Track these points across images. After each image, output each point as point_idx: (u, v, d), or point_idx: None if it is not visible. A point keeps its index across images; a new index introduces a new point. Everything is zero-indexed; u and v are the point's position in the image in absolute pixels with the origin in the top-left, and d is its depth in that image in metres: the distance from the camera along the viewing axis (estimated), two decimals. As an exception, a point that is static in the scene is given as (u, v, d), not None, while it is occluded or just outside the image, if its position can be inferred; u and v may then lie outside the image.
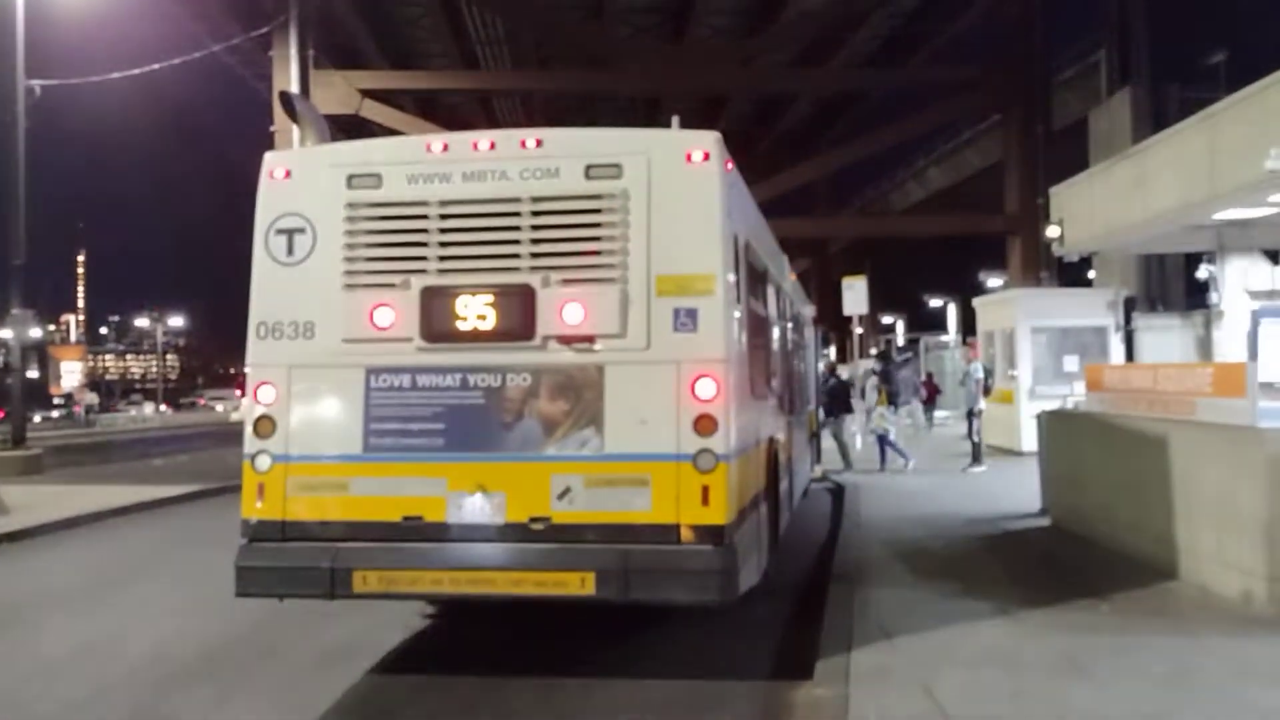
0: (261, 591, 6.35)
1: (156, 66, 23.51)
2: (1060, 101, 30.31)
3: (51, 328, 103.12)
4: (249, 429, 6.35)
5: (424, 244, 6.25)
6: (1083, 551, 9.19)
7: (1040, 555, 9.37)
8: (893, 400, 17.39)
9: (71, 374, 60.88)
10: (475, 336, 6.15)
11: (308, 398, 6.34)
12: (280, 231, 6.43)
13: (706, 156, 6.14)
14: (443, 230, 6.24)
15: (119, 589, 9.79)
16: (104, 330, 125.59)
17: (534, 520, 6.01)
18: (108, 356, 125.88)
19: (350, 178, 6.38)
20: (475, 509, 6.06)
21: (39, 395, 63.97)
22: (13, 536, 12.37)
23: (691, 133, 6.30)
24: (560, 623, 7.43)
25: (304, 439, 6.30)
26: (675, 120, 6.59)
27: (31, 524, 12.98)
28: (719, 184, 6.15)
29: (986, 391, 17.28)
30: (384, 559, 6.09)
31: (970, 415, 16.93)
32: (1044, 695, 5.35)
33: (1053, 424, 11.12)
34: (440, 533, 6.08)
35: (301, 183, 6.50)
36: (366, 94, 29.46)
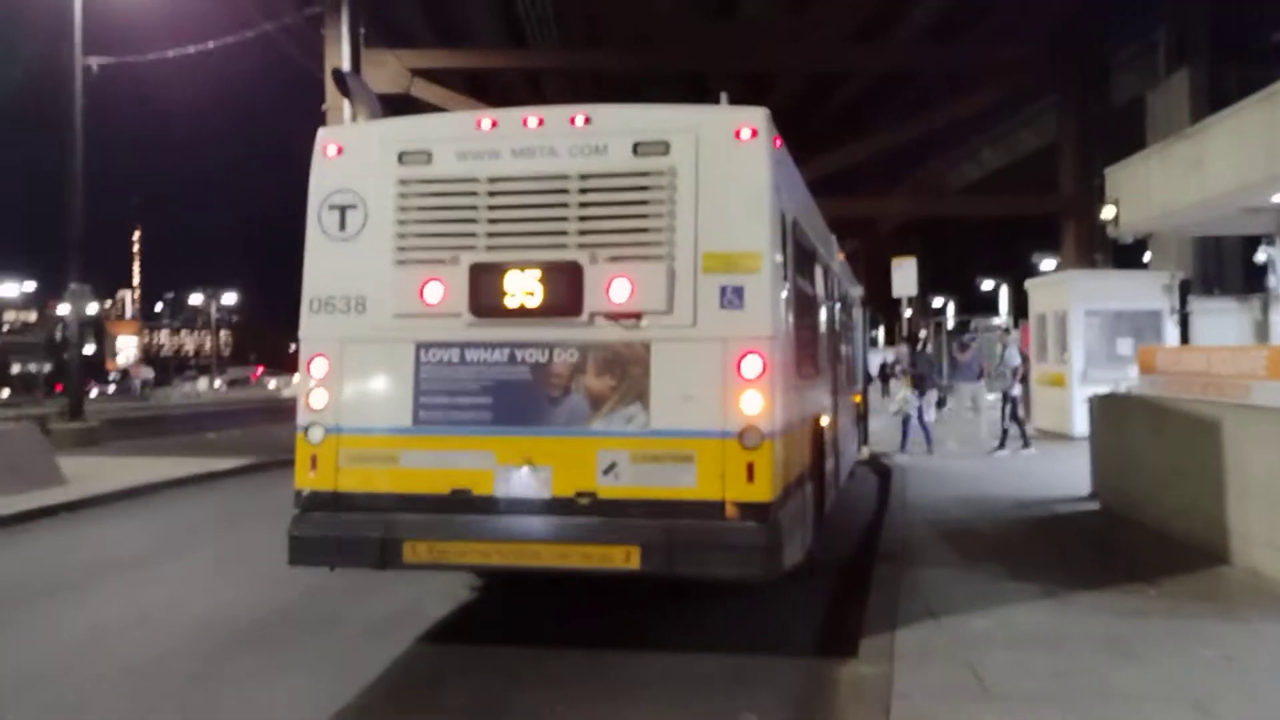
0: (314, 561, 6.49)
1: (210, 45, 23.84)
2: (1117, 82, 29.72)
3: (108, 303, 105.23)
4: (302, 401, 6.48)
5: (473, 220, 6.32)
6: (1132, 535, 9.10)
7: (1088, 538, 9.29)
8: (919, 385, 17.31)
9: (127, 349, 62.15)
10: (523, 312, 6.21)
11: (359, 371, 6.45)
12: (333, 207, 6.53)
13: (755, 133, 6.13)
14: (491, 207, 6.31)
15: (173, 558, 10.03)
16: (159, 307, 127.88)
17: (580, 495, 6.07)
18: (162, 332, 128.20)
19: (401, 154, 6.46)
20: (522, 482, 6.14)
21: (95, 370, 65.49)
22: (71, 506, 12.70)
23: (740, 109, 6.29)
24: (606, 596, 7.51)
25: (355, 412, 6.41)
26: (724, 97, 6.58)
27: (89, 494, 13.32)
28: (767, 161, 6.14)
29: (1024, 379, 17.07)
30: (433, 530, 6.19)
31: (1005, 399, 16.76)
32: (1087, 675, 5.33)
33: (1104, 407, 10.99)
34: (488, 505, 6.17)
35: (353, 159, 6.59)
36: (417, 73, 29.62)
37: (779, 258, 6.33)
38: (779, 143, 6.41)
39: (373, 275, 6.42)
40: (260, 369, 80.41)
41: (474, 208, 6.33)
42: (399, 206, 6.43)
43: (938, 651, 5.80)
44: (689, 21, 33.31)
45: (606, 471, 6.06)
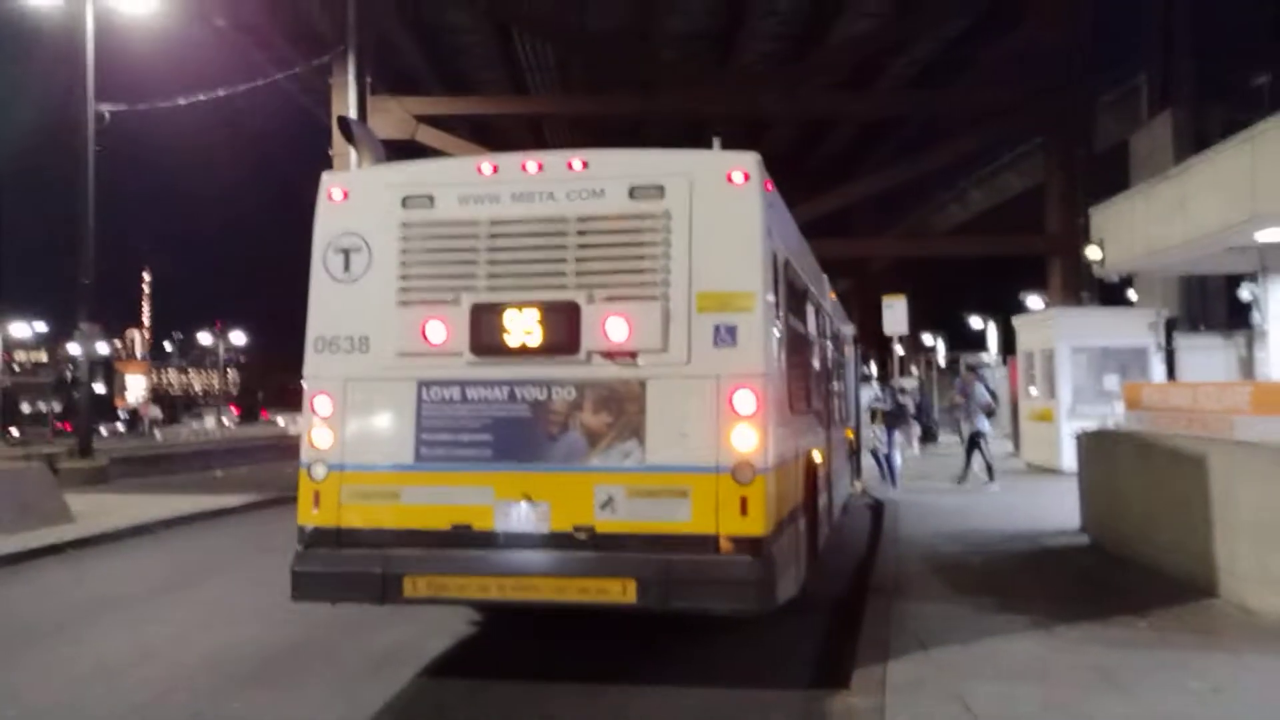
0: (316, 596, 6.58)
1: (221, 93, 24.22)
2: (1102, 125, 30.15)
3: (117, 343, 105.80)
4: (305, 439, 6.61)
5: (474, 262, 6.50)
6: (1121, 569, 9.23)
7: (1078, 572, 9.41)
8: (889, 422, 17.71)
9: (136, 388, 62.25)
10: (523, 351, 6.37)
11: (362, 409, 6.59)
12: (338, 250, 6.70)
13: (747, 177, 6.33)
14: (492, 249, 6.49)
15: (179, 594, 10.11)
16: (168, 346, 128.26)
17: (578, 529, 6.20)
18: (170, 371, 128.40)
19: (405, 198, 6.65)
20: (521, 517, 6.27)
21: (105, 409, 65.56)
22: (79, 543, 12.80)
23: (732, 153, 6.50)
24: (603, 630, 7.60)
25: (358, 449, 6.54)
26: (716, 142, 6.80)
27: (96, 531, 13.44)
28: (759, 203, 6.34)
29: (990, 414, 17.31)
30: (433, 565, 6.31)
31: (975, 436, 17.02)
32: (1076, 707, 5.44)
33: (1092, 443, 11.15)
34: (488, 540, 6.29)
35: (358, 203, 6.78)
36: (421, 119, 30.03)
37: (771, 297, 6.51)
38: (770, 186, 6.61)
39: (376, 315, 6.58)
40: (263, 413, 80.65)
41: (475, 250, 6.51)
42: (402, 249, 6.61)
43: (928, 683, 5.91)
44: (688, 69, 33.87)
45: (604, 506, 6.18)
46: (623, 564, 6.09)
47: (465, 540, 6.32)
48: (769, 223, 6.49)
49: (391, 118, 28.79)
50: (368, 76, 26.93)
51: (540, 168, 6.58)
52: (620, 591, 6.07)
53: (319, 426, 6.59)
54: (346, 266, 6.69)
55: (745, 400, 6.13)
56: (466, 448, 6.41)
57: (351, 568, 6.40)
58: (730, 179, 6.34)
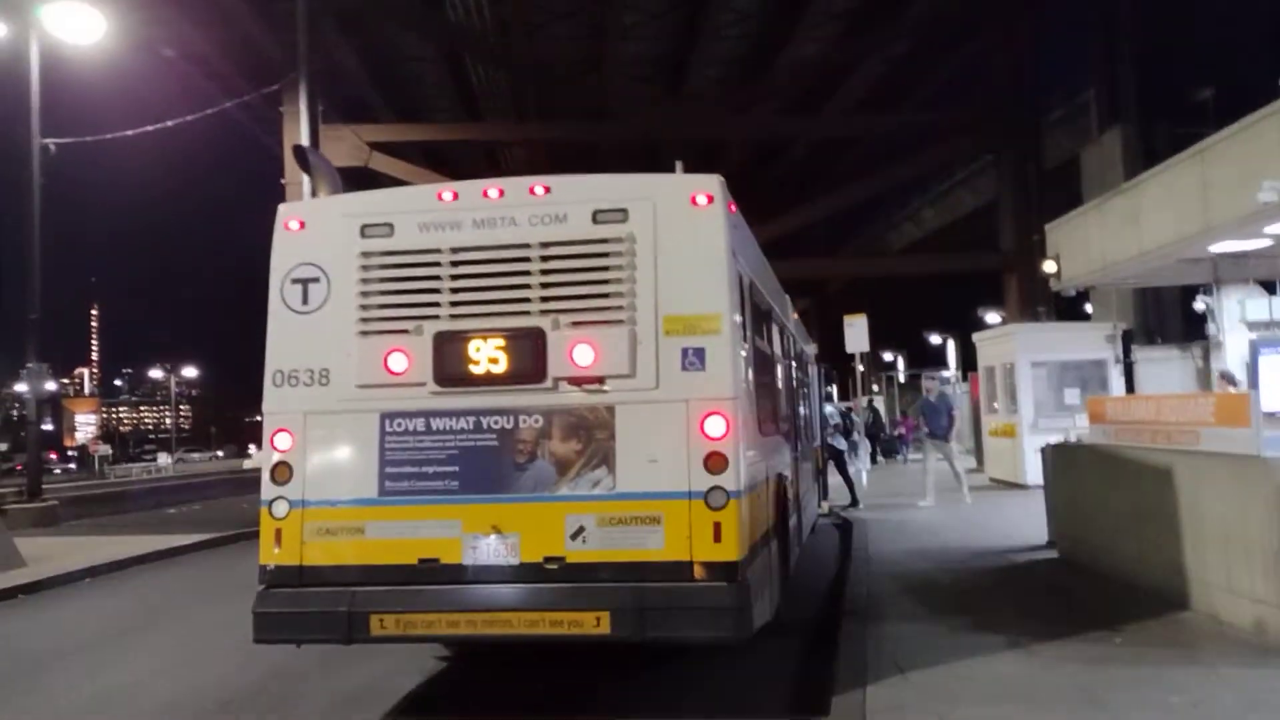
0: (279, 638, 6.38)
1: (170, 124, 23.83)
2: (1052, 141, 30.68)
3: (65, 381, 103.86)
4: (266, 475, 6.43)
5: (436, 290, 6.36)
6: (1092, 583, 9.22)
7: (1049, 587, 9.40)
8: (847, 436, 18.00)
9: (86, 426, 61.15)
10: (488, 380, 6.24)
11: (323, 443, 6.42)
12: (295, 281, 6.54)
13: (710, 199, 6.27)
14: (454, 276, 6.36)
15: (134, 639, 9.81)
16: (118, 382, 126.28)
17: (548, 560, 6.06)
18: (121, 408, 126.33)
19: (363, 227, 6.50)
20: (490, 550, 6.12)
21: (53, 447, 64.20)
22: (30, 588, 12.44)
23: (695, 176, 6.44)
24: (575, 662, 7.45)
25: (320, 484, 6.36)
26: (679, 165, 6.74)
27: (47, 575, 13.06)
28: (723, 225, 6.28)
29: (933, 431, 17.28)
30: (400, 602, 6.13)
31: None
32: (1061, 725, 5.37)
33: (1057, 457, 11.18)
34: (456, 574, 6.13)
35: (315, 233, 6.63)
36: (375, 146, 29.90)
37: (738, 318, 6.44)
38: (734, 208, 6.55)
39: (336, 347, 6.42)
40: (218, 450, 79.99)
41: (437, 278, 6.38)
42: (361, 279, 6.46)
43: (909, 708, 5.81)
44: (640, 94, 34.05)
45: (574, 536, 6.06)
46: (595, 595, 5.96)
47: (433, 575, 6.16)
48: (734, 244, 6.42)
49: (345, 145, 28.67)
50: (320, 105, 26.72)
51: (501, 193, 6.47)
52: (594, 623, 5.93)
53: (280, 462, 6.41)
54: (305, 298, 6.53)
55: (715, 424, 6.04)
56: (432, 480, 6.25)
57: (316, 607, 6.21)
58: (694, 201, 6.27)
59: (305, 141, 21.88)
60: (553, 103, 35.22)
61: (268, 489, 6.39)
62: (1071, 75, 30.75)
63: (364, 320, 6.42)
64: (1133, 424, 9.44)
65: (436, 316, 6.34)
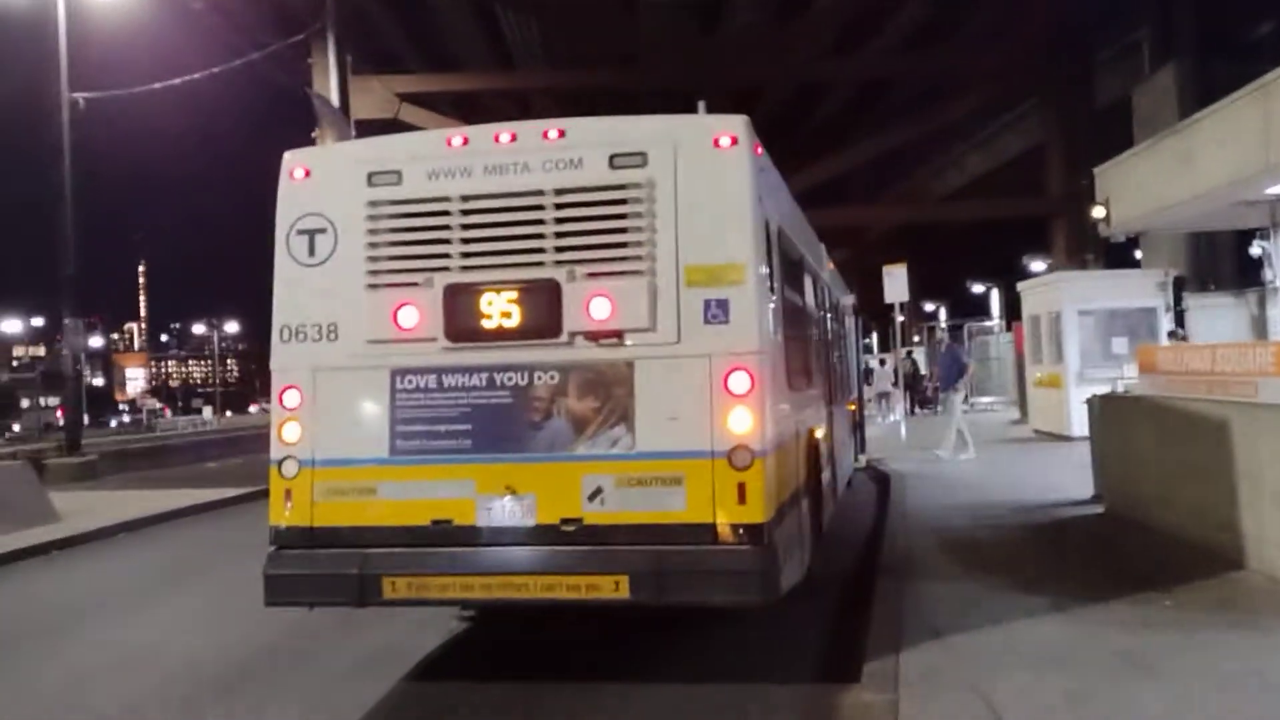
0: (291, 600, 6.22)
1: (198, 76, 23.59)
2: (1101, 82, 29.64)
3: (115, 336, 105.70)
4: (275, 434, 6.23)
5: (446, 241, 6.08)
6: (1140, 540, 8.84)
7: (1095, 545, 9.05)
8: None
9: (135, 380, 62.35)
10: (500, 334, 5.97)
11: (333, 401, 6.19)
12: (301, 232, 6.29)
13: (734, 141, 5.91)
14: (465, 226, 6.07)
15: (160, 596, 9.78)
16: (164, 338, 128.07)
17: (565, 522, 5.82)
18: (170, 362, 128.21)
19: (370, 175, 6.22)
20: (505, 511, 5.89)
21: (106, 402, 65.58)
22: (63, 544, 12.45)
23: (718, 117, 6.07)
24: (597, 625, 7.24)
25: (330, 443, 6.15)
26: (701, 105, 6.37)
27: (81, 530, 13.08)
28: (748, 169, 5.91)
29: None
30: (413, 564, 5.93)
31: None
32: (1108, 699, 5.04)
33: (1105, 408, 10.75)
34: (470, 536, 5.91)
35: (321, 182, 6.35)
36: (405, 98, 29.49)
37: (764, 268, 6.10)
38: (760, 150, 6.18)
39: (344, 301, 6.17)
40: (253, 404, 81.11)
41: (447, 228, 6.09)
42: (369, 229, 6.19)
43: (945, 675, 5.52)
44: (675, 38, 33.27)
45: (592, 497, 5.80)
46: (614, 558, 5.71)
47: (446, 537, 5.94)
48: (760, 189, 6.06)
49: (374, 97, 28.31)
50: (348, 56, 26.45)
51: (514, 138, 6.15)
52: (612, 587, 5.69)
53: (288, 420, 6.20)
54: (311, 250, 6.27)
55: (740, 380, 5.73)
56: (445, 439, 6.02)
57: (327, 569, 6.03)
58: (717, 143, 5.91)
59: (334, 94, 21.64)
60: (585, 50, 34.58)
61: (277, 448, 6.20)
62: (1122, 12, 29.54)
63: (372, 273, 6.16)
64: (1186, 374, 9.01)
65: (447, 268, 6.06)
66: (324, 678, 6.70)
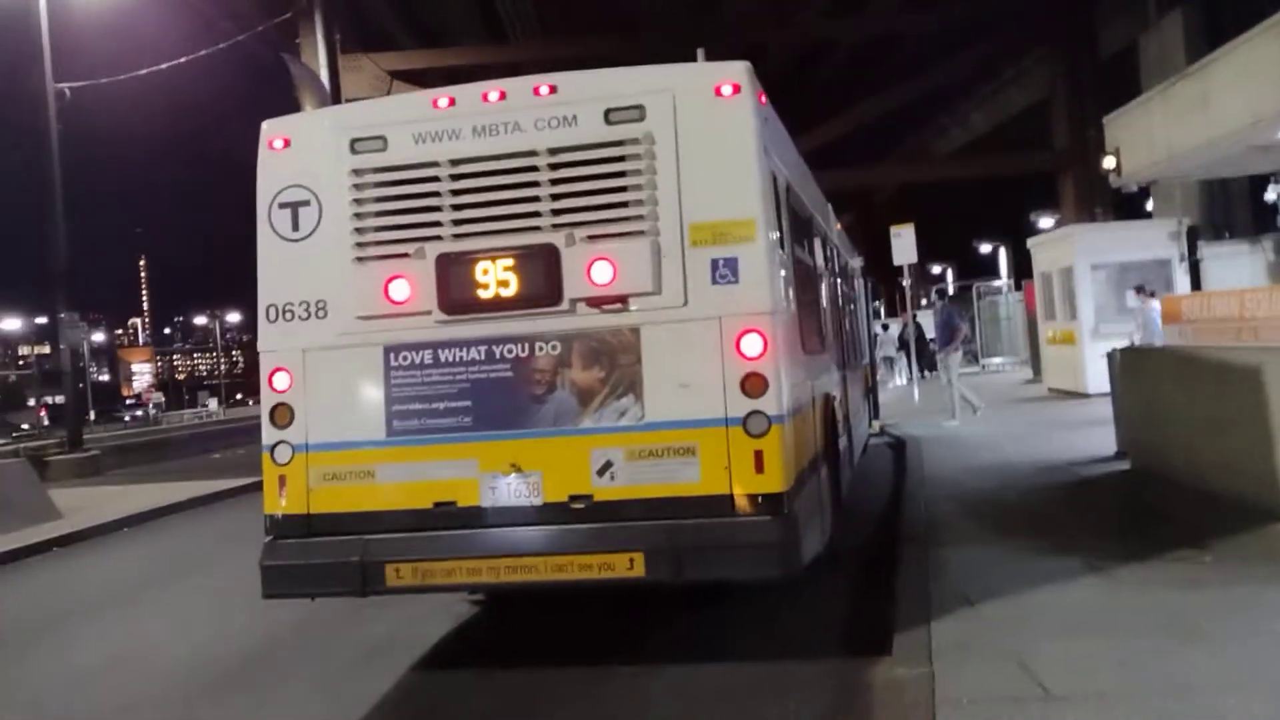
0: (289, 592, 5.97)
1: (183, 60, 23.10)
2: (1105, 29, 29.04)
3: (120, 332, 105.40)
4: (265, 418, 5.94)
5: (436, 208, 5.76)
6: (1171, 495, 8.53)
7: (1124, 502, 8.75)
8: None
9: (141, 375, 62.28)
10: (498, 305, 5.65)
11: (325, 382, 5.90)
12: (283, 205, 5.97)
13: (737, 89, 5.57)
14: (455, 192, 5.74)
15: (162, 591, 9.55)
16: (167, 331, 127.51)
17: (574, 499, 5.53)
18: (175, 355, 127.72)
19: (353, 141, 5.89)
20: (510, 490, 5.61)
21: (113, 397, 65.60)
22: (63, 541, 12.22)
23: (718, 64, 5.72)
24: (611, 603, 6.97)
25: (324, 426, 5.86)
26: (700, 53, 6.01)
27: (82, 527, 12.83)
28: (753, 118, 5.58)
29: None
30: (417, 549, 5.65)
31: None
32: (1154, 664, 4.74)
33: (1127, 361, 10.41)
34: (475, 518, 5.63)
35: (302, 151, 6.03)
36: (396, 75, 29.05)
37: (773, 224, 5.77)
38: (764, 98, 5.84)
39: (332, 276, 5.86)
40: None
41: (436, 194, 5.76)
42: (354, 199, 5.87)
43: (980, 645, 5.24)
44: (670, 5, 32.71)
45: (601, 472, 5.52)
46: (627, 535, 5.42)
47: (450, 519, 5.66)
48: (765, 140, 5.72)
49: (364, 75, 27.85)
50: (337, 34, 25.95)
51: (503, 95, 5.80)
52: (627, 565, 5.40)
53: (279, 404, 5.91)
54: (295, 223, 5.95)
55: (753, 342, 5.41)
56: (444, 417, 5.72)
57: (327, 558, 5.75)
58: (719, 92, 5.57)
59: (324, 72, 21.19)
60: (580, 20, 34.00)
61: (269, 433, 5.91)
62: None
63: (359, 245, 5.85)
64: (1214, 322, 8.67)
65: (439, 237, 5.74)
66: (330, 669, 6.44)
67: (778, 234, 5.90)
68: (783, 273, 5.94)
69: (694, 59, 6.13)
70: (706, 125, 5.54)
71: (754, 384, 5.40)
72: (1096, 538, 7.33)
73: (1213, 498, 8.02)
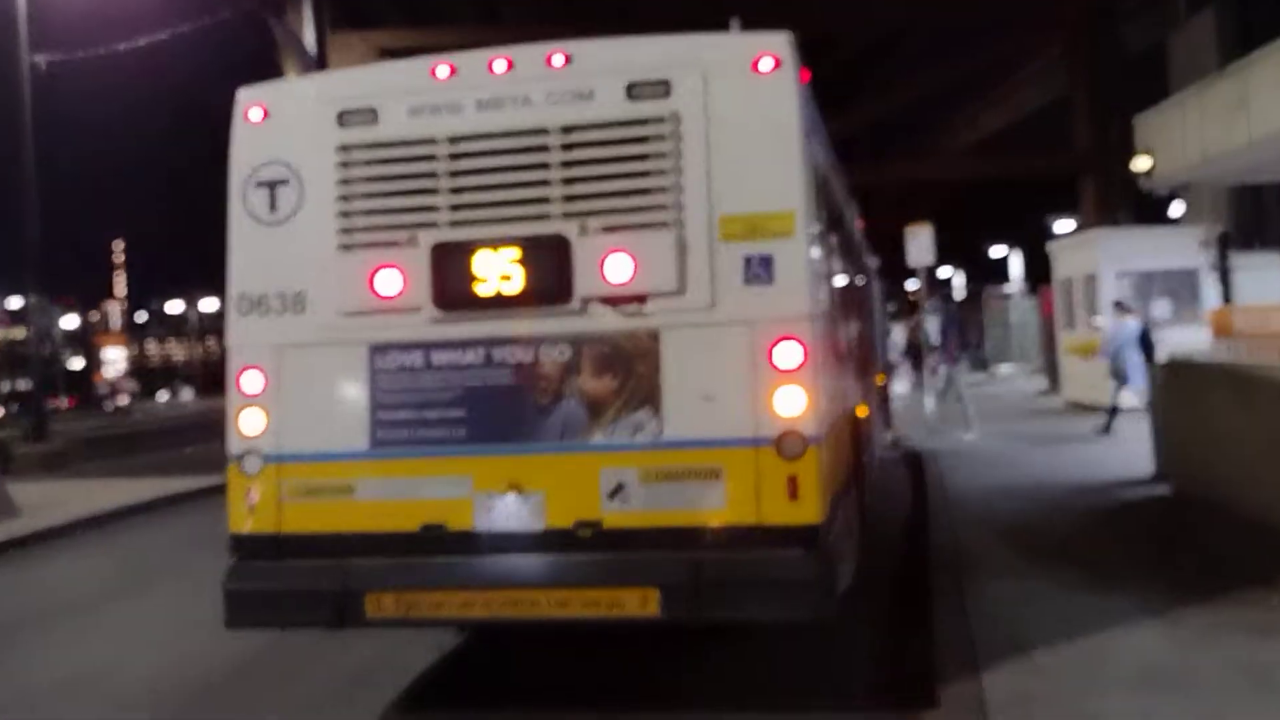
0: (255, 621, 5.34)
1: (166, 35, 22.29)
2: (1130, 28, 28.38)
3: (95, 317, 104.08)
4: (232, 424, 5.26)
5: (433, 191, 5.11)
6: (1224, 526, 7.88)
7: (1172, 532, 8.10)
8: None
9: (115, 362, 61.17)
10: (499, 302, 5.00)
11: (301, 384, 5.23)
12: (260, 184, 5.30)
13: (778, 63, 4.91)
14: (454, 173, 5.09)
15: (125, 601, 8.89)
16: (145, 317, 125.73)
17: (581, 525, 4.89)
18: (150, 342, 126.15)
19: (341, 114, 5.23)
20: (508, 513, 4.95)
21: (85, 384, 64.58)
22: (22, 542, 11.47)
23: (756, 35, 5.07)
24: (616, 636, 6.30)
25: (299, 434, 5.20)
26: (734, 22, 5.33)
27: (42, 527, 12.09)
28: (795, 97, 4.93)
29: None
30: (401, 578, 5.01)
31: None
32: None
33: (1171, 376, 9.75)
34: (467, 544, 4.99)
35: (283, 123, 5.35)
36: (387, 54, 28.35)
37: (813, 219, 5.11)
38: (807, 76, 5.18)
39: (313, 265, 5.20)
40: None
41: (433, 175, 5.11)
42: (341, 179, 5.20)
43: (1041, 701, 4.63)
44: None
45: (612, 495, 4.87)
46: (640, 568, 4.79)
47: (440, 544, 5.02)
48: (806, 124, 5.06)
49: (354, 54, 27.10)
50: (326, 11, 25.29)
51: (511, 66, 5.15)
52: (639, 603, 4.77)
53: (249, 408, 5.24)
54: (272, 205, 5.29)
55: (789, 352, 4.76)
56: (435, 427, 5.07)
57: (299, 584, 5.11)
58: (757, 67, 4.92)
59: (312, 50, 20.42)
60: (580, 1, 33.34)
61: (235, 441, 5.24)
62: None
63: (345, 231, 5.19)
64: (1271, 336, 8.00)
65: (434, 224, 5.09)
66: (302, 701, 5.83)
67: (817, 229, 5.25)
68: (821, 273, 5.30)
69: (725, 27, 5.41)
70: (742, 104, 4.90)
71: (789, 399, 4.76)
72: (1147, 574, 6.69)
73: (1273, 532, 7.36)
